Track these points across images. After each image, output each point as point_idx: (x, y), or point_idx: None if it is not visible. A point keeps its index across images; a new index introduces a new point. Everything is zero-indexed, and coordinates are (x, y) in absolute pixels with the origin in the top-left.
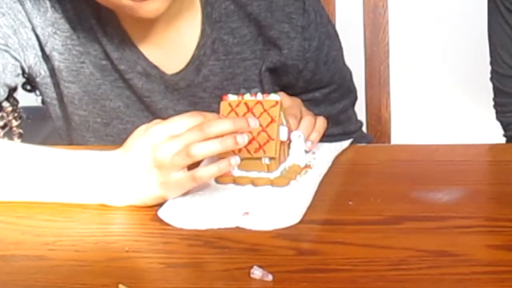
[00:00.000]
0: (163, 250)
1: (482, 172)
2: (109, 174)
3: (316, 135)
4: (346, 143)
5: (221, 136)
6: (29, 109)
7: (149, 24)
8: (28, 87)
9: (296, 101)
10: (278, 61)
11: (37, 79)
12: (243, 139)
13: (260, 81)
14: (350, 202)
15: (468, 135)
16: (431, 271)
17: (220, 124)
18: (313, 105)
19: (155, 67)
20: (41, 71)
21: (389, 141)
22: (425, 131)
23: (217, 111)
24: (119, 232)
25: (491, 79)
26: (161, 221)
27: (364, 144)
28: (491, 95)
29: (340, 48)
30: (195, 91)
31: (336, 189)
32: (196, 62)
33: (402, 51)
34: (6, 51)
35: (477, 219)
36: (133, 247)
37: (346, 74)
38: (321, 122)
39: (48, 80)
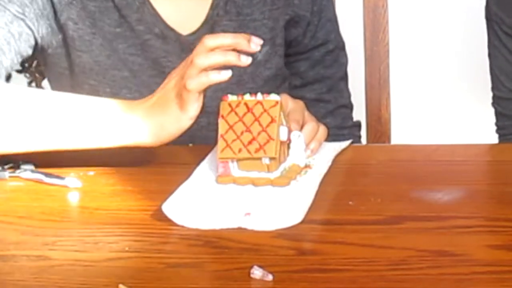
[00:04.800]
0: (163, 250)
1: (482, 172)
2: (135, 115)
3: (316, 144)
4: (345, 143)
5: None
6: None
7: None
8: (19, 68)
9: (300, 104)
10: (291, 11)
11: (49, 50)
12: (246, 59)
13: (270, 39)
14: (350, 202)
15: (468, 135)
16: (431, 271)
17: (220, 38)
18: (309, 67)
19: (172, 30)
20: (53, 41)
21: (389, 141)
22: (425, 131)
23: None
24: (119, 232)
25: (493, 103)
26: (161, 220)
27: (364, 144)
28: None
29: (335, 15)
30: None
31: (336, 189)
32: (210, 22)
33: (402, 51)
34: (22, 19)
35: (477, 219)
36: (133, 247)
37: (341, 38)
38: (323, 131)
39: (60, 50)
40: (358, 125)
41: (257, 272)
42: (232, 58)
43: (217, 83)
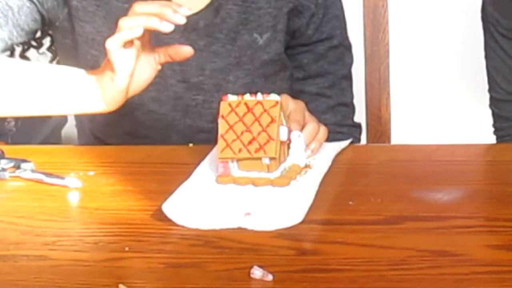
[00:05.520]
0: (163, 250)
1: (482, 172)
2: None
3: (316, 144)
4: (345, 143)
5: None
6: None
7: None
8: (34, 44)
9: (300, 105)
10: (296, 0)
11: (56, 24)
12: (168, 26)
13: (272, 26)
14: (350, 202)
15: (468, 135)
16: (431, 271)
17: (148, 6)
18: (312, 60)
19: None
20: (59, 15)
21: (389, 141)
22: (425, 131)
23: (229, 51)
24: (119, 232)
25: (490, 105)
26: (161, 220)
27: (364, 144)
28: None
29: (343, 14)
30: (212, 31)
31: (336, 189)
32: (215, 4)
33: (402, 51)
34: None
35: (477, 219)
36: (133, 247)
37: (347, 39)
38: (323, 132)
39: (66, 24)
40: (358, 126)
41: (257, 272)
42: (154, 23)
43: (130, 39)
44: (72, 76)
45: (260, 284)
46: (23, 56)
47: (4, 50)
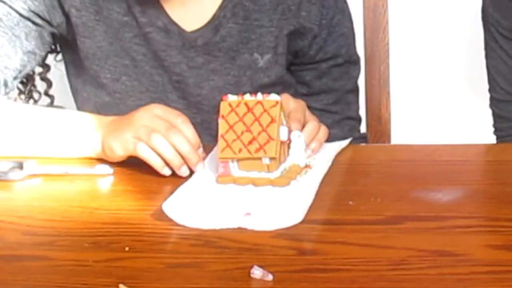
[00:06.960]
0: (163, 250)
1: (482, 172)
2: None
3: (316, 144)
4: (345, 142)
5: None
6: None
7: None
8: (58, 58)
9: (301, 104)
10: (296, 23)
11: (68, 37)
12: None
13: (274, 47)
14: (350, 202)
15: (468, 135)
16: (431, 271)
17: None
18: (315, 77)
19: (175, 24)
20: (69, 29)
21: (389, 141)
22: (425, 131)
23: (228, 69)
24: (119, 232)
25: (490, 105)
26: (161, 220)
27: (364, 144)
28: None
29: (351, 29)
30: (211, 49)
31: (336, 189)
32: (215, 22)
33: (402, 51)
34: (28, 18)
35: (477, 219)
36: (133, 247)
37: (355, 53)
38: (324, 131)
39: (72, 38)
40: (364, 137)
41: (257, 272)
42: (157, 166)
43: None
44: (75, 122)
45: (260, 284)
46: (44, 78)
47: (17, 78)
